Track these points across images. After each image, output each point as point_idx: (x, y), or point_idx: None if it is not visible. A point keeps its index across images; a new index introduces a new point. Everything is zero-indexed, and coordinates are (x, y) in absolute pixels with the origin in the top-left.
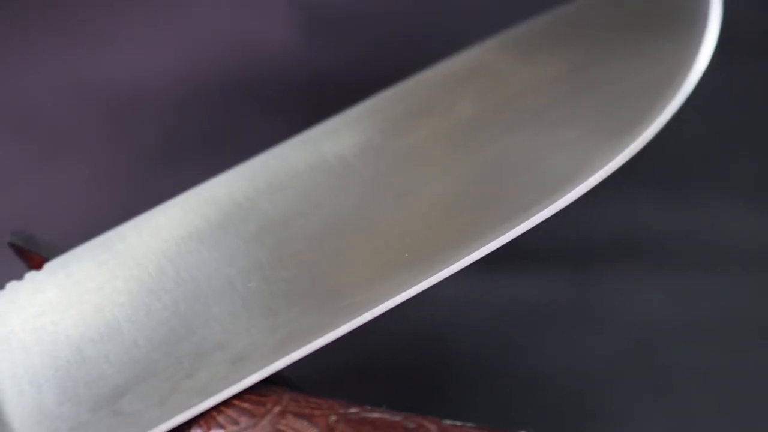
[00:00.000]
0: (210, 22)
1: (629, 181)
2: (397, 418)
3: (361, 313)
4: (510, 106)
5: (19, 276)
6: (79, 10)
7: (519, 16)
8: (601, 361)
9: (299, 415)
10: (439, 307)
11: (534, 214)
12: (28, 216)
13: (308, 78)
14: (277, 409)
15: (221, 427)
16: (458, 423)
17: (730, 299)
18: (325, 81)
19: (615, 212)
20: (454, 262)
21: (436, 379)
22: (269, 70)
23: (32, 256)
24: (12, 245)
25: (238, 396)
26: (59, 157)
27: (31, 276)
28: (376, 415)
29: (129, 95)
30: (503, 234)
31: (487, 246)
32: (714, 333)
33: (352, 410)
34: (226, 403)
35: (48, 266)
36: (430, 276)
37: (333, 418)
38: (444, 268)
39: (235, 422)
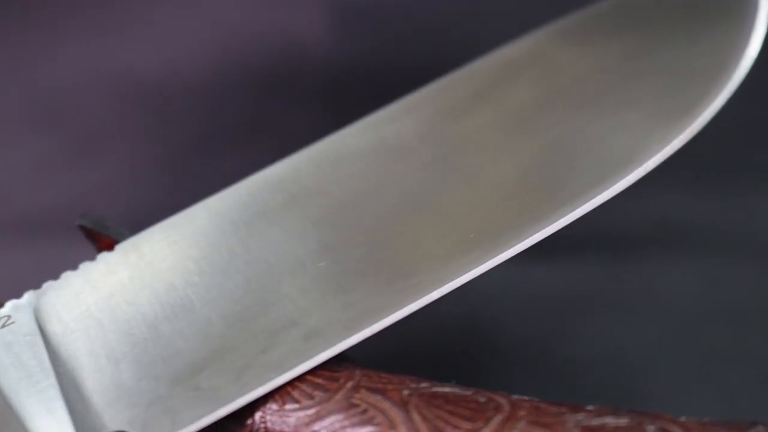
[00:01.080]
0: (241, 14)
1: (661, 170)
2: (468, 392)
3: (431, 291)
4: (567, 91)
5: (85, 258)
6: (114, 1)
7: (544, 6)
8: (639, 346)
9: (372, 390)
10: (478, 297)
11: (594, 196)
12: (68, 207)
13: (338, 69)
14: (350, 384)
15: (296, 401)
16: (526, 397)
17: (763, 284)
18: (355, 72)
19: (647, 201)
20: (518, 243)
21: (477, 367)
22: (299, 62)
23: (102, 238)
24: (81, 227)
25: (312, 371)
26: (96, 149)
27: (103, 257)
28: (447, 389)
29: (161, 87)
30: (565, 215)
31: (550, 227)
32: (749, 316)
33: (423, 385)
34: (301, 378)
35: (120, 247)
36: (496, 256)
37: (406, 392)
38: (508, 249)
39: (310, 396)
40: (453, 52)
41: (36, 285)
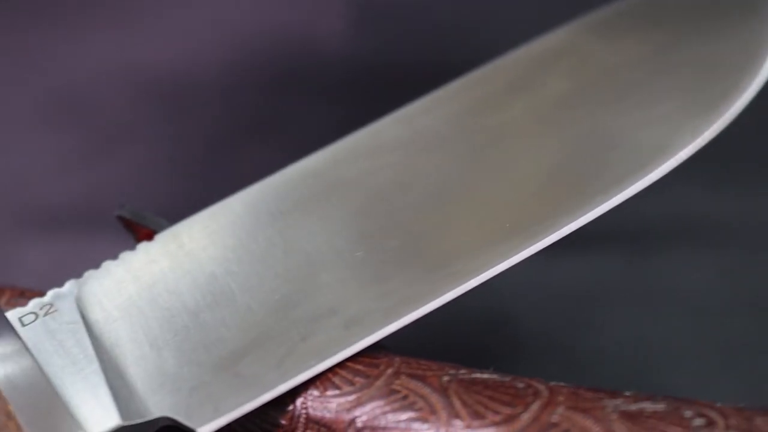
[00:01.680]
0: (259, 9)
1: (682, 164)
2: (506, 378)
3: (468, 280)
4: (599, 84)
5: (103, 248)
6: None
7: (561, 3)
8: (661, 338)
9: (412, 376)
10: (500, 290)
11: (628, 187)
12: (89, 201)
13: (356, 65)
14: (390, 370)
15: (337, 387)
16: (563, 384)
17: None
18: (373, 68)
19: (668, 195)
20: (553, 233)
21: (505, 358)
22: (317, 57)
23: (140, 229)
24: (120, 218)
25: (352, 358)
26: (115, 144)
27: (143, 246)
28: (485, 375)
29: (180, 81)
30: (599, 206)
31: (583, 217)
32: None
33: (462, 371)
34: (341, 365)
35: (159, 237)
36: (531, 245)
37: (445, 378)
38: (543, 238)
39: (351, 383)
40: (470, 47)
41: (58, 277)
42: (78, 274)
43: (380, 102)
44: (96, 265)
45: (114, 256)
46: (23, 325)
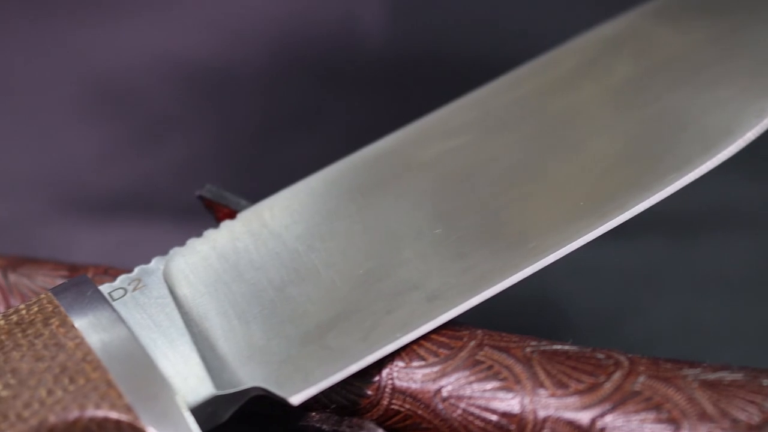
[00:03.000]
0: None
1: None
2: (587, 349)
3: (546, 256)
4: (665, 67)
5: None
6: None
7: None
8: (711, 318)
9: (496, 347)
10: (550, 273)
11: (698, 166)
12: (132, 194)
13: (398, 55)
14: (473, 342)
15: (422, 358)
16: (640, 355)
17: None
18: (415, 58)
19: (712, 182)
20: (625, 211)
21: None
22: (359, 47)
23: (221, 208)
24: (201, 198)
25: (436, 331)
26: (161, 133)
27: (226, 224)
28: (566, 347)
29: (225, 71)
30: (671, 185)
31: (655, 196)
32: None
33: (543, 343)
34: (425, 337)
35: (241, 216)
36: (605, 222)
37: (528, 349)
38: (617, 216)
39: (436, 354)
40: (509, 38)
41: (114, 262)
42: (131, 259)
43: (420, 92)
44: (150, 251)
45: (174, 240)
46: (113, 299)
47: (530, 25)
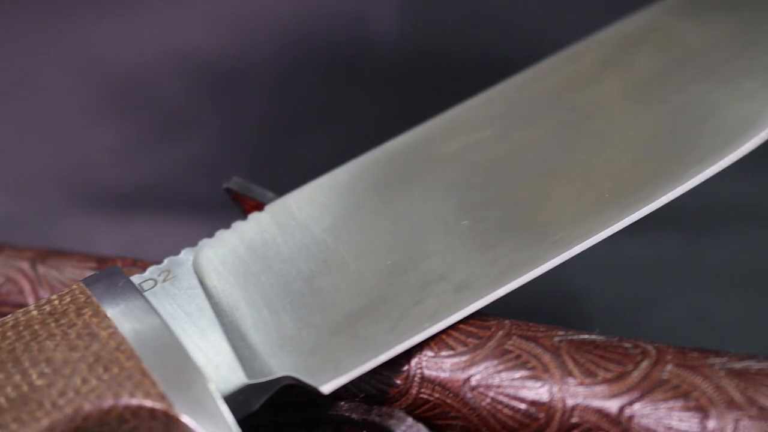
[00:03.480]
0: None
1: None
2: (614, 339)
3: (573, 246)
4: (687, 61)
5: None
6: None
7: None
8: (726, 311)
9: (524, 337)
10: (568, 267)
11: (719, 160)
12: (151, 188)
13: (411, 50)
14: (501, 332)
15: (451, 348)
16: (665, 344)
17: None
18: (427, 53)
19: (726, 177)
20: (651, 202)
21: None
22: (372, 43)
23: (248, 201)
24: (228, 190)
25: (464, 321)
26: (176, 130)
27: (254, 216)
28: (593, 336)
29: (238, 68)
30: (692, 178)
31: (680, 188)
32: None
33: (571, 332)
34: (453, 327)
35: (269, 208)
36: (630, 214)
37: (556, 338)
38: (642, 207)
39: (464, 344)
40: (521, 34)
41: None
42: (152, 252)
43: (431, 86)
44: (171, 244)
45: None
46: (143, 290)
47: (544, 22)
